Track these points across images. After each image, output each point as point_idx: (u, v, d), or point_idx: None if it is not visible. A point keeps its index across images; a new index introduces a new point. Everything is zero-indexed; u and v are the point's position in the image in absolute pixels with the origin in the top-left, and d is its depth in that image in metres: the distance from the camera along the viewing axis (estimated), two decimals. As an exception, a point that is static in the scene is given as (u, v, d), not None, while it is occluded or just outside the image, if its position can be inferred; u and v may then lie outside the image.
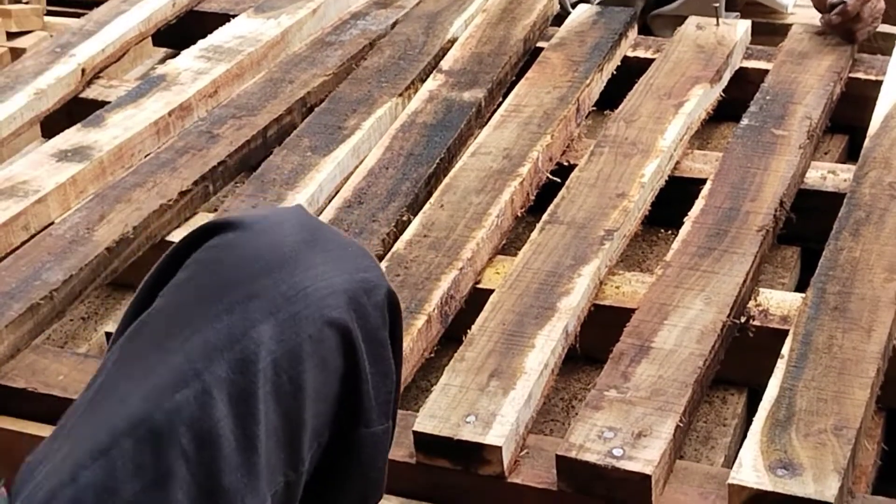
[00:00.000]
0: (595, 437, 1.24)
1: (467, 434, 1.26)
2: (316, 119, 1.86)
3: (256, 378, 0.86)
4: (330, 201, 1.70)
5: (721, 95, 1.92)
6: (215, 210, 1.77)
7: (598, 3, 2.22)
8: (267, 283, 0.88)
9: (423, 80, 1.95)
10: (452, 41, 2.05)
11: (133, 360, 0.88)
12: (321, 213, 1.68)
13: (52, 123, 1.99)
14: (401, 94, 1.91)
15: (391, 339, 0.95)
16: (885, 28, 2.09)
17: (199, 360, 0.85)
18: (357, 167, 1.77)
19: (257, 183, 1.71)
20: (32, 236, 1.65)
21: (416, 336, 1.41)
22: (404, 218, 1.64)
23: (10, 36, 3.01)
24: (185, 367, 0.85)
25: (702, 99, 1.85)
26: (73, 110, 2.00)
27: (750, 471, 1.19)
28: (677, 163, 1.77)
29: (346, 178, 1.75)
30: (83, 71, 2.05)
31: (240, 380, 0.86)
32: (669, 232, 1.74)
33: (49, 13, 3.19)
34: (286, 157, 1.77)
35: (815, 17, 2.04)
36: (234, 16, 2.18)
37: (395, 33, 2.08)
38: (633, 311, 1.43)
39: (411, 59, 2.00)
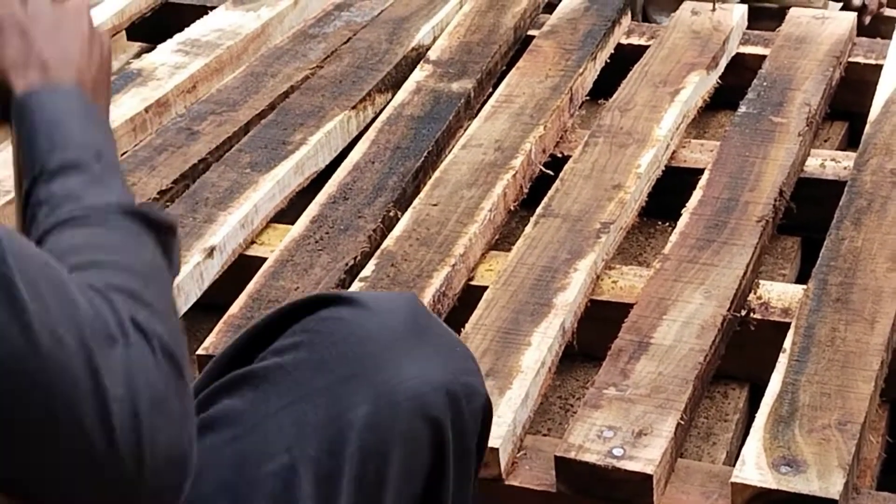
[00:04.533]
0: (594, 437, 1.21)
1: (462, 436, 1.23)
2: (260, 132, 1.75)
3: (344, 462, 0.86)
4: (268, 223, 1.62)
5: (718, 82, 1.89)
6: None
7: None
8: (371, 366, 0.88)
9: (380, 92, 1.86)
10: (417, 49, 1.96)
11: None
12: (257, 232, 1.59)
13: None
14: (354, 107, 1.80)
15: (477, 449, 0.95)
16: (885, 11, 2.06)
17: (292, 433, 0.85)
18: (300, 184, 1.68)
19: (189, 202, 1.61)
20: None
21: (407, 335, 1.38)
22: (391, 213, 1.60)
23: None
24: (276, 438, 0.85)
25: (698, 86, 1.82)
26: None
27: (753, 468, 1.17)
28: (674, 152, 1.74)
29: (287, 198, 1.66)
30: (59, 67, 2.00)
31: (328, 461, 0.86)
32: (667, 224, 1.72)
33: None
34: (223, 174, 1.66)
35: None
36: (211, 8, 2.13)
37: (358, 39, 1.98)
38: (631, 306, 1.40)
39: (370, 68, 1.89)
